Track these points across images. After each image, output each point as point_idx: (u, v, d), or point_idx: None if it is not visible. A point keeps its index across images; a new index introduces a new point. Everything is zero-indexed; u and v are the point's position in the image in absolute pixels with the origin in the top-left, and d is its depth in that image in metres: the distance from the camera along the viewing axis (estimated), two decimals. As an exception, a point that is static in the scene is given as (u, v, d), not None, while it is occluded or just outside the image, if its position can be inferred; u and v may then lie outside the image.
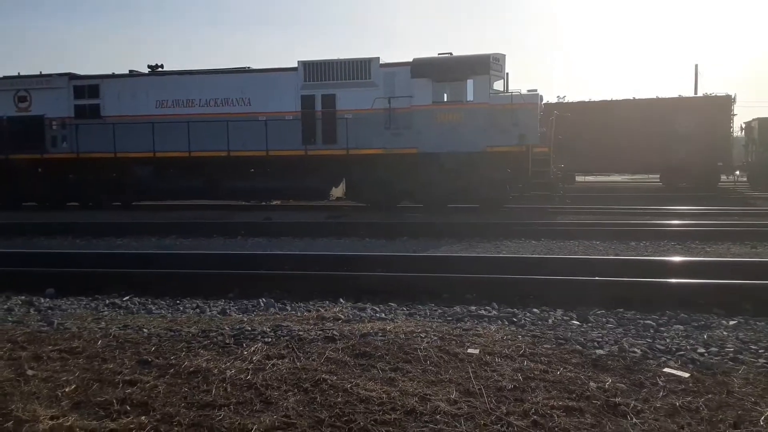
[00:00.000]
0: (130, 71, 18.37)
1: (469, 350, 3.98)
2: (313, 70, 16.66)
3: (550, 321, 5.01)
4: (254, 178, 17.37)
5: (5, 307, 5.73)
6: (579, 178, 27.13)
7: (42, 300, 6.06)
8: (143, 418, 2.94)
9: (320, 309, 5.53)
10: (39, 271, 7.26)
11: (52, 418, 2.87)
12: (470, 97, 15.68)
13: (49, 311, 5.55)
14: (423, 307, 5.55)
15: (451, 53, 16.33)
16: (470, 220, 13.22)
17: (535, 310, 5.40)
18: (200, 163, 17.17)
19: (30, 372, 3.54)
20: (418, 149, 15.87)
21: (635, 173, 30.83)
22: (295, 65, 16.82)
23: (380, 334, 4.35)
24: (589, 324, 4.94)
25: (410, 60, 16.07)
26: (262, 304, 5.83)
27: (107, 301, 6.04)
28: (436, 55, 16.32)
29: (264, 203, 18.97)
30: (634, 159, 22.73)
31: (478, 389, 3.31)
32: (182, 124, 16.91)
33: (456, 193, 16.06)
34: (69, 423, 2.80)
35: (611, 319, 5.07)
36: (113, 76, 18.23)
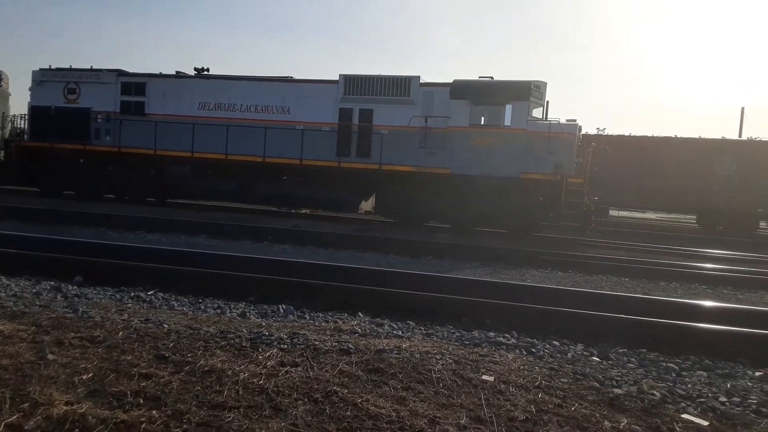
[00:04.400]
0: (177, 72, 18.89)
1: (484, 376, 3.93)
2: (353, 84, 16.87)
3: (569, 355, 4.91)
4: (287, 186, 17.59)
5: (34, 290, 5.90)
6: (613, 212, 26.68)
7: (70, 287, 6.23)
8: (155, 412, 2.98)
9: (338, 321, 5.55)
10: (69, 259, 7.45)
11: (66, 403, 2.93)
12: (508, 122, 15.65)
13: (76, 298, 5.69)
14: (441, 329, 5.51)
15: (491, 77, 16.35)
16: (497, 245, 13.10)
17: (555, 342, 5.31)
18: (236, 167, 17.49)
19: (51, 356, 3.62)
20: (451, 170, 15.86)
21: (671, 212, 30.16)
22: (336, 78, 17.06)
23: (395, 352, 4.33)
24: (610, 362, 4.83)
25: (450, 81, 16.15)
26: (281, 310, 5.88)
27: (132, 294, 6.17)
28: (476, 78, 16.36)
29: (294, 211, 19.16)
30: (671, 197, 22.25)
31: (489, 417, 3.26)
32: (221, 127, 17.28)
33: (486, 216, 15.97)
34: (83, 410, 2.86)
35: (633, 359, 4.95)
36: (160, 75, 18.77)
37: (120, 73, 18.85)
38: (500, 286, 7.59)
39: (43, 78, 19.13)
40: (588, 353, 5.05)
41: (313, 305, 6.20)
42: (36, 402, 2.92)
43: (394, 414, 3.19)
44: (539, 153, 15.19)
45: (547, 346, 5.15)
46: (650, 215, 34.14)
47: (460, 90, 15.89)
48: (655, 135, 23.55)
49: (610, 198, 20.63)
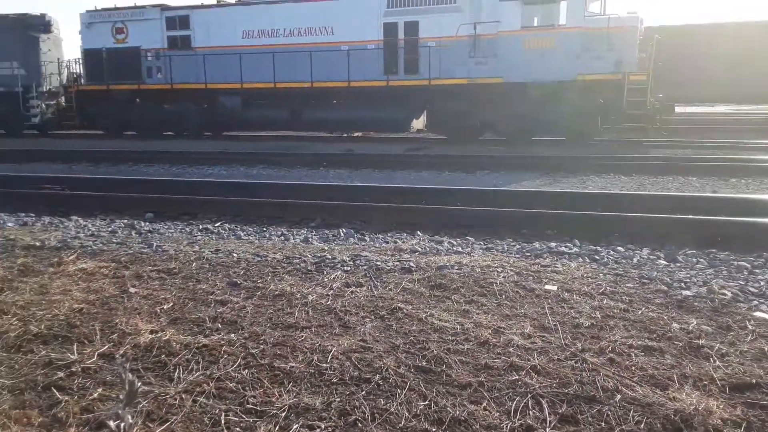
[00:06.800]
0: (219, 1, 18.62)
1: (547, 286, 3.93)
2: (397, -6, 16.15)
3: (635, 260, 4.83)
4: (336, 109, 17.47)
5: (110, 229, 6.26)
6: (679, 109, 25.18)
7: (143, 223, 6.56)
8: (233, 335, 3.17)
9: (397, 241, 5.63)
10: (139, 197, 7.82)
11: (151, 332, 3.16)
12: (563, 20, 14.71)
13: (149, 234, 6.01)
14: (501, 242, 5.51)
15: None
16: (556, 154, 12.72)
17: (619, 248, 5.22)
18: (284, 95, 17.45)
19: (132, 290, 3.88)
20: (504, 79, 15.23)
21: (743, 103, 28.15)
22: (378, -10, 16.37)
23: (456, 267, 4.38)
24: (678, 264, 4.72)
25: (498, -19, 15.17)
26: (342, 234, 6.01)
27: (200, 227, 6.44)
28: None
29: (345, 135, 19.14)
30: (744, 87, 20.67)
31: (554, 325, 3.29)
32: (267, 54, 17.11)
33: (542, 124, 15.42)
34: (167, 337, 3.08)
35: (702, 260, 4.82)
36: (202, 6, 18.56)
37: (163, 7, 18.77)
38: (560, 195, 7.45)
39: (91, 20, 19.32)
40: (654, 257, 4.95)
41: (372, 228, 6.31)
42: (123, 332, 3.16)
43: (458, 327, 3.27)
44: (598, 51, 14.28)
45: (611, 252, 5.08)
46: (720, 108, 32.02)
47: (510, -10, 14.93)
48: (723, 22, 21.64)
49: (676, 93, 19.38)
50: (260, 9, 17.76)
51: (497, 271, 4.26)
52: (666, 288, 3.95)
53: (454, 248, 5.28)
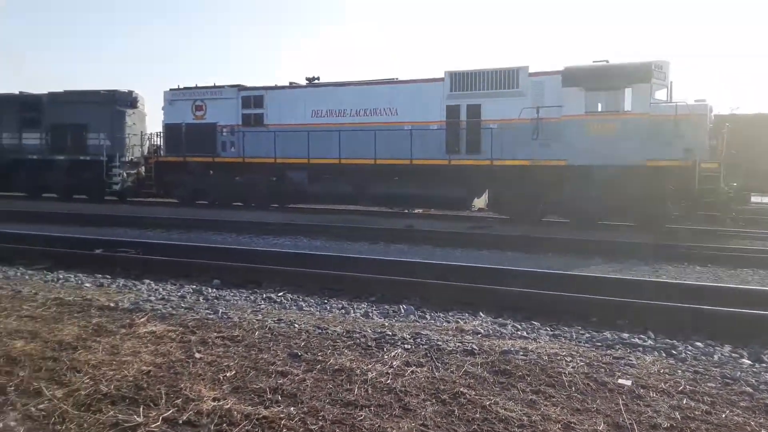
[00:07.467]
0: (290, 83, 19.82)
1: (620, 380, 3.71)
2: (459, 80, 16.71)
3: (715, 357, 4.51)
4: (398, 186, 17.81)
5: (179, 294, 6.45)
6: (755, 199, 24.14)
7: (210, 290, 6.74)
8: (292, 408, 3.13)
9: (459, 321, 5.52)
10: (208, 264, 8.08)
11: (214, 399, 3.17)
12: (628, 106, 14.70)
13: (215, 300, 6.15)
14: (568, 329, 5.30)
15: (607, 61, 15.45)
16: (624, 240, 12.32)
17: (698, 343, 4.90)
18: (348, 170, 18.00)
19: (197, 355, 3.94)
20: (568, 161, 15.19)
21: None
22: (441, 75, 16.99)
23: (521, 353, 4.22)
24: (763, 365, 4.38)
25: (561, 68, 15.47)
26: (402, 310, 5.96)
27: (264, 295, 6.55)
28: (590, 62, 15.54)
29: (406, 211, 19.36)
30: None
31: (629, 424, 3.07)
32: (334, 132, 17.87)
33: (609, 208, 15.10)
34: (228, 406, 3.07)
35: (791, 362, 4.45)
36: (275, 87, 19.79)
37: (240, 87, 20.13)
38: (631, 283, 7.15)
39: (173, 97, 20.92)
40: (737, 355, 4.62)
41: (433, 305, 6.22)
42: (187, 398, 3.18)
43: (525, 418, 3.10)
44: (666, 137, 14.08)
45: (689, 347, 4.78)
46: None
47: (573, 76, 15.16)
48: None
49: (752, 183, 18.64)
50: (329, 90, 18.75)
51: (566, 360, 4.07)
52: (751, 390, 3.65)
53: (519, 332, 5.11)
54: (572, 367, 3.92)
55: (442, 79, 16.95)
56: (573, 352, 4.28)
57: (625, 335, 5.06)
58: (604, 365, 4.00)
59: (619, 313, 5.66)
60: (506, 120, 15.91)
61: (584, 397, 3.45)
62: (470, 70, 16.65)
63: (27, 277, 7.25)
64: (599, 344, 4.77)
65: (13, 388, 3.25)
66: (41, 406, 3.03)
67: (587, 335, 5.08)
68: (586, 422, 3.08)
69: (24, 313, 4.89)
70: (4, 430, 2.69)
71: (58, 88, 25.33)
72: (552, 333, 5.16)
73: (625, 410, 3.25)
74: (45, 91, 23.26)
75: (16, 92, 23.93)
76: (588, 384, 3.64)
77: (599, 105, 15.13)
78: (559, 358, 4.13)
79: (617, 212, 15.15)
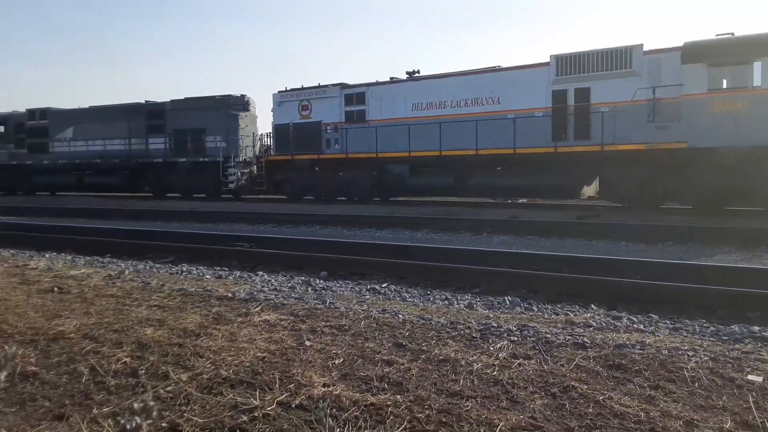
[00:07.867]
0: (391, 78, 20.03)
1: (750, 376, 3.39)
2: (565, 63, 16.03)
3: None
4: (501, 176, 17.44)
5: (290, 285, 6.76)
6: None
7: (318, 281, 7.00)
8: (398, 396, 3.17)
9: (569, 313, 5.31)
10: (315, 256, 8.39)
11: (324, 385, 3.29)
12: (757, 81, 13.35)
13: (323, 291, 6.37)
14: (691, 323, 4.92)
15: (732, 33, 14.11)
16: (756, 226, 11.22)
17: (844, 338, 4.36)
18: (450, 162, 17.91)
19: (308, 343, 4.10)
20: (689, 143, 14.07)
21: None
22: (546, 60, 16.38)
23: (638, 347, 3.97)
24: None
25: (680, 44, 14.34)
26: (507, 302, 5.83)
27: (368, 286, 6.69)
28: (712, 37, 14.27)
29: (510, 201, 18.93)
30: None
31: (761, 422, 2.80)
32: (434, 125, 17.83)
33: (736, 193, 13.82)
34: (338, 392, 3.17)
35: None
36: (376, 83, 20.10)
37: (343, 86, 20.67)
38: (762, 272, 6.52)
39: (281, 99, 21.91)
40: None
41: (540, 297, 6.04)
42: (299, 383, 3.33)
43: (642, 414, 2.93)
44: (803, 113, 12.65)
45: (835, 343, 4.26)
46: None
47: (694, 52, 13.99)
48: None
49: None
50: (429, 83, 18.73)
51: (688, 355, 3.78)
52: None
53: (635, 325, 4.82)
54: (695, 362, 3.64)
55: (547, 64, 16.36)
56: (696, 347, 3.97)
57: (756, 328, 4.61)
58: (731, 360, 3.68)
59: (748, 306, 5.17)
60: (618, 102, 15.07)
61: (708, 393, 3.19)
62: (578, 51, 15.92)
63: (155, 270, 7.91)
64: (726, 338, 4.39)
65: (144, 371, 3.56)
66: (168, 389, 3.29)
67: (712, 329, 4.69)
68: (710, 420, 2.85)
69: (152, 302, 5.34)
70: (145, 408, 2.96)
71: (179, 96, 27.44)
72: (672, 326, 4.81)
73: (756, 408, 2.97)
74: (167, 99, 25.36)
75: (143, 101, 26.24)
76: (713, 380, 3.36)
77: (724, 81, 13.88)
78: (680, 352, 3.85)
79: (745, 197, 13.83)
